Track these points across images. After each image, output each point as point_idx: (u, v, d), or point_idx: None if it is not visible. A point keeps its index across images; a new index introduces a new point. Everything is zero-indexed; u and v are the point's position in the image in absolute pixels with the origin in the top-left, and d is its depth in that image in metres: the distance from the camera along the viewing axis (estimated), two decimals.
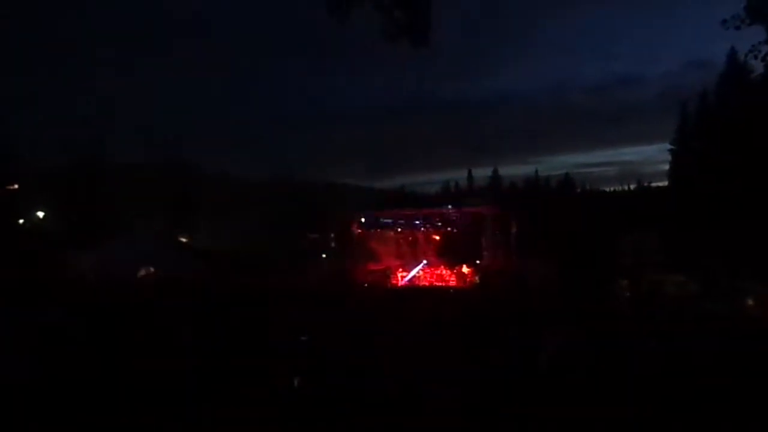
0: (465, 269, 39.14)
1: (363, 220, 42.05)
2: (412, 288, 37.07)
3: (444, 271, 40.21)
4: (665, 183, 54.89)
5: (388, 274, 41.10)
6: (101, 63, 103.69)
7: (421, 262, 42.40)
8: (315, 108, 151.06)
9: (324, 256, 43.27)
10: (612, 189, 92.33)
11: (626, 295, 19.72)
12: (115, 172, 48.39)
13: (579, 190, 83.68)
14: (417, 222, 41.81)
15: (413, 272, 40.22)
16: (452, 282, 38.22)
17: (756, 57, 9.31)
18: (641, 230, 40.55)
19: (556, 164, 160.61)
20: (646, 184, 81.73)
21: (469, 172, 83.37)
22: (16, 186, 42.05)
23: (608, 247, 37.88)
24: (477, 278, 37.37)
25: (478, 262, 39.95)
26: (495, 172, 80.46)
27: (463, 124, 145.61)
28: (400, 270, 41.33)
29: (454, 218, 41.26)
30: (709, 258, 27.11)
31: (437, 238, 42.39)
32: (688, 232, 36.27)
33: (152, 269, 30.78)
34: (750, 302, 15.50)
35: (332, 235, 42.50)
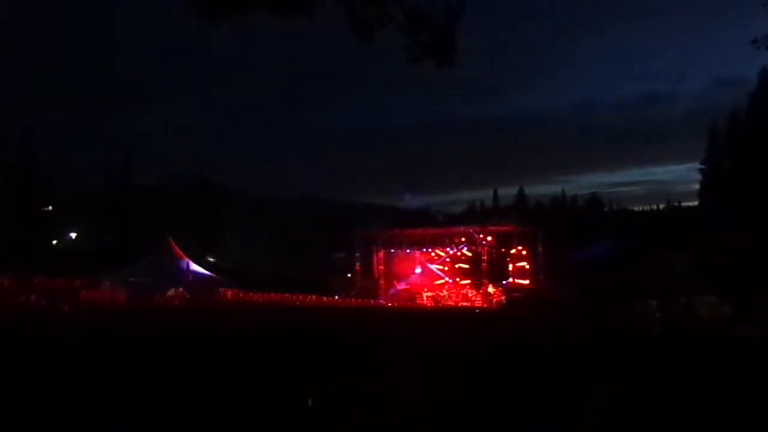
0: (491, 289, 38.79)
1: (388, 239, 42.09)
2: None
3: (469, 291, 39.92)
4: (695, 203, 54.01)
5: (412, 292, 40.99)
6: (131, 85, 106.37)
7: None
8: (341, 129, 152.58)
9: (349, 275, 43.30)
10: (641, 209, 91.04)
11: (656, 317, 19.25)
12: (144, 193, 49.35)
13: (606, 210, 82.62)
14: (442, 241, 41.73)
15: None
16: (478, 302, 37.86)
17: None
18: (671, 250, 39.76)
19: (583, 183, 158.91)
20: (675, 204, 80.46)
21: (495, 192, 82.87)
22: (50, 208, 43.13)
23: (638, 267, 37.19)
24: (503, 298, 36.94)
25: (504, 282, 39.60)
26: (521, 191, 79.92)
27: (490, 143, 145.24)
28: (425, 289, 41.20)
29: (480, 238, 41.05)
30: (742, 279, 26.43)
31: (463, 257, 42.23)
32: (719, 252, 35.45)
33: (180, 288, 31.14)
34: None
35: (357, 254, 42.54)
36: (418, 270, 43.72)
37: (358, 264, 42.33)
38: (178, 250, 34.21)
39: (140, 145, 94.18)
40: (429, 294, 40.12)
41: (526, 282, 38.58)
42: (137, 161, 52.06)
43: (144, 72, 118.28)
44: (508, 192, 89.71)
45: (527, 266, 39.21)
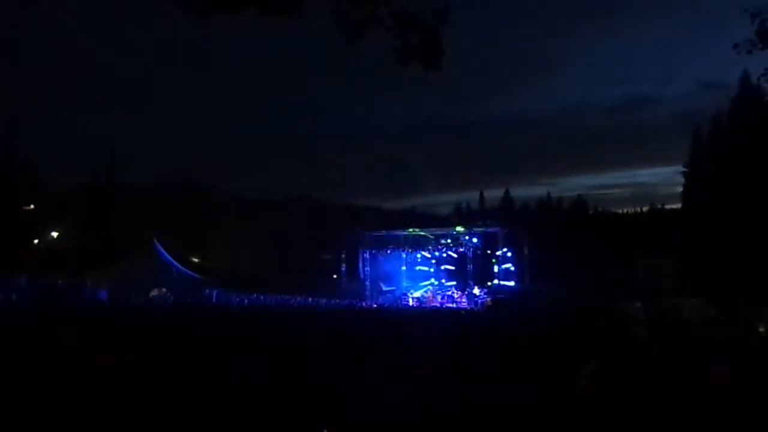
0: (476, 290, 38.92)
1: (374, 240, 42.10)
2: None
3: (455, 293, 40.04)
4: (678, 205, 54.53)
5: (397, 294, 41.04)
6: (118, 83, 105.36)
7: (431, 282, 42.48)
8: (329, 129, 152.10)
9: (335, 276, 43.28)
10: (625, 211, 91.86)
11: (641, 318, 19.44)
12: (130, 192, 48.89)
13: (591, 212, 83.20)
14: (428, 243, 41.80)
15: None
16: (463, 303, 37.97)
17: None
18: (655, 253, 40.20)
19: (569, 186, 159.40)
20: (659, 207, 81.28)
21: (481, 194, 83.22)
22: (32, 206, 42.53)
23: (622, 269, 37.57)
24: (488, 299, 37.09)
25: (489, 283, 39.76)
26: (507, 193, 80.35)
27: (476, 145, 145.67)
28: (411, 290, 41.27)
29: (466, 239, 41.19)
30: (726, 282, 26.79)
31: (448, 259, 42.38)
32: (703, 255, 35.89)
33: (164, 289, 30.94)
34: (761, 329, 15.15)
35: (344, 255, 42.52)
36: (404, 271, 43.87)
37: (343, 265, 42.31)
38: (162, 250, 33.98)
39: (127, 144, 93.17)
40: (415, 295, 40.17)
41: (511, 284, 38.76)
42: (124, 160, 51.55)
43: (131, 70, 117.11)
44: (494, 194, 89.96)
45: (512, 268, 39.41)
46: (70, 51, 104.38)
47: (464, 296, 38.91)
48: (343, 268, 42.60)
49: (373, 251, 42.16)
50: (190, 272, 35.14)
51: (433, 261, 43.47)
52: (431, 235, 41.83)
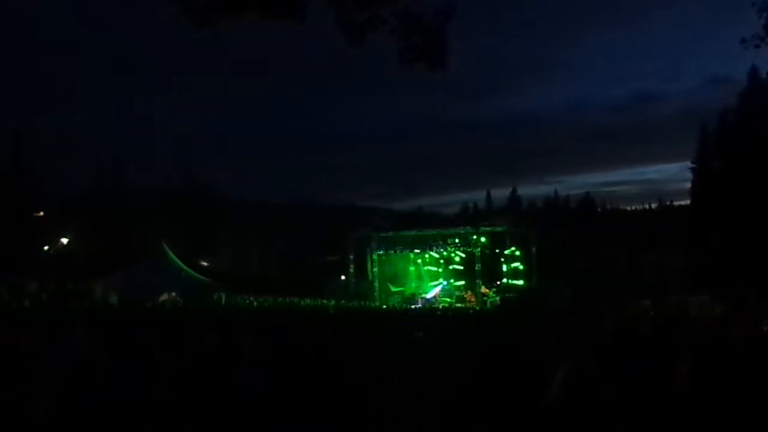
0: (484, 290, 38.82)
1: (382, 241, 42.06)
2: None
3: (463, 292, 39.97)
4: (687, 201, 54.11)
5: (406, 295, 41.00)
6: (123, 89, 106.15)
7: (440, 282, 42.38)
8: (334, 131, 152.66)
9: (343, 277, 43.24)
10: (633, 208, 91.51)
11: (650, 316, 19.30)
12: (137, 197, 49.15)
13: (599, 210, 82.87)
14: (436, 243, 41.69)
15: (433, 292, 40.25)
16: (471, 302, 37.88)
17: None
18: (664, 249, 39.93)
19: (576, 184, 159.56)
20: (667, 203, 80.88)
21: (488, 193, 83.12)
22: (41, 213, 42.77)
23: (630, 266, 37.35)
24: (497, 299, 37.01)
25: (498, 282, 39.64)
26: (514, 192, 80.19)
27: (483, 145, 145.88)
28: (420, 290, 41.24)
29: (474, 239, 41.08)
30: (735, 279, 26.55)
31: (456, 258, 42.26)
32: (711, 251, 35.62)
33: (174, 293, 30.96)
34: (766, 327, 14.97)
35: (351, 256, 42.48)
36: (412, 272, 43.81)
37: (351, 266, 42.26)
38: (171, 254, 34.11)
39: (132, 150, 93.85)
40: (423, 296, 40.16)
41: (520, 282, 38.62)
42: (129, 166, 51.93)
43: (136, 76, 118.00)
44: (501, 193, 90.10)
45: (521, 267, 39.26)
46: (71, 57, 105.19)
47: (473, 296, 38.84)
48: (351, 270, 42.54)
49: (381, 252, 42.12)
50: (200, 276, 35.23)
51: (441, 261, 43.38)
52: (439, 234, 41.76)
